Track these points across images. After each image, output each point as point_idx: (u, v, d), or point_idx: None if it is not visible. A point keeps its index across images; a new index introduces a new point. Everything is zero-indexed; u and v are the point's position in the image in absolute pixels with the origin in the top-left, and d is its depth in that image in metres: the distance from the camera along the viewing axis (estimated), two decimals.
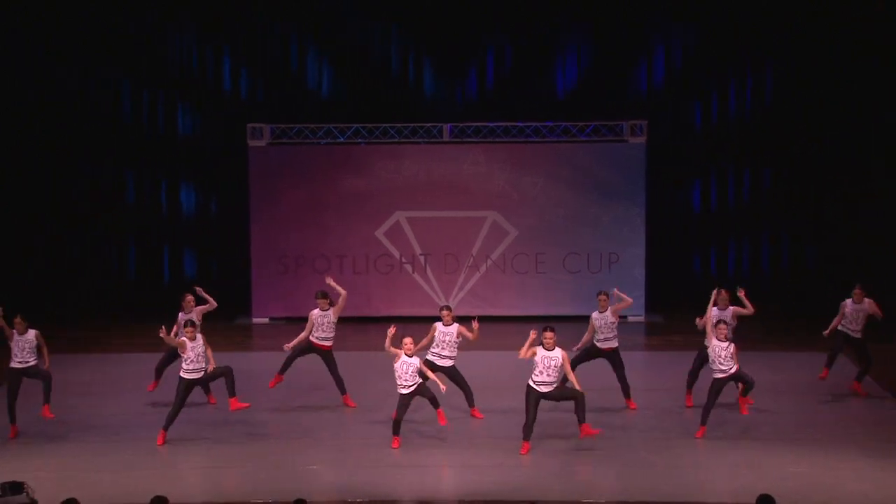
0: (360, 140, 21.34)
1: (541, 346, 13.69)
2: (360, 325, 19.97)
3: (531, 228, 21.23)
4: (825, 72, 21.46)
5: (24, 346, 14.37)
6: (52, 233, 21.97)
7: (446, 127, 21.34)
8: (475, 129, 21.31)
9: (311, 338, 15.33)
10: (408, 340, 13.85)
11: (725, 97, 22.32)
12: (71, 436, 14.41)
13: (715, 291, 15.21)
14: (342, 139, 21.33)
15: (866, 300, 15.62)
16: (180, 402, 14.09)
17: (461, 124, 21.38)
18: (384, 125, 21.33)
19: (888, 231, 20.63)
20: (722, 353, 13.96)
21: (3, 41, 21.20)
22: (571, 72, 22.43)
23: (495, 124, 21.29)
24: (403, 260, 21.32)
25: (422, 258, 21.32)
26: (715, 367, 14.04)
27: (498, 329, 19.58)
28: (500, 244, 21.29)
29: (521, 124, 21.27)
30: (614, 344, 15.20)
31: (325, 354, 15.42)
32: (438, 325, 14.82)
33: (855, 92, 21.16)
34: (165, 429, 14.08)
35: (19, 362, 14.40)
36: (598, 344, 15.21)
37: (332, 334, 15.35)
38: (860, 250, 21.16)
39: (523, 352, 13.76)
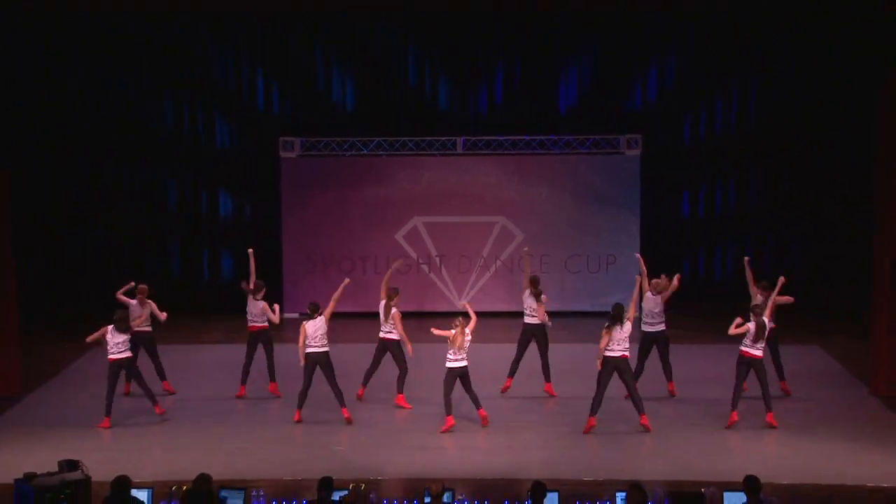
0: (381, 152, 21.42)
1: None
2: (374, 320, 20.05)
3: (536, 233, 21.26)
4: (803, 91, 21.45)
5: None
6: (108, 235, 22.00)
7: (460, 140, 21.42)
8: (486, 142, 21.39)
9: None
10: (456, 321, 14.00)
11: (713, 113, 22.25)
12: (122, 420, 14.49)
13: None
14: (365, 151, 21.42)
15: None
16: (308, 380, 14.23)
17: (473, 138, 21.44)
18: (403, 139, 21.41)
19: (863, 234, 20.55)
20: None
21: (69, 63, 21.20)
22: (572, 90, 22.42)
23: (504, 138, 21.35)
24: (420, 261, 21.39)
25: (437, 259, 21.39)
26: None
27: (506, 323, 19.64)
28: (508, 247, 21.33)
29: (527, 138, 21.33)
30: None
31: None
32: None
33: (830, 109, 21.15)
34: (300, 407, 14.24)
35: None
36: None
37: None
38: (840, 253, 21.16)
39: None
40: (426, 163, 21.33)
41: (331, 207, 21.24)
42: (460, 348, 13.86)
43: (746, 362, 13.94)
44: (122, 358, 14.20)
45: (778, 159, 21.91)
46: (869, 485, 12.12)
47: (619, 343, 13.77)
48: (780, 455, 13.14)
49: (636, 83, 22.26)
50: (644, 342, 15.35)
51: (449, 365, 13.93)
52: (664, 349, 15.39)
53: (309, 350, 14.14)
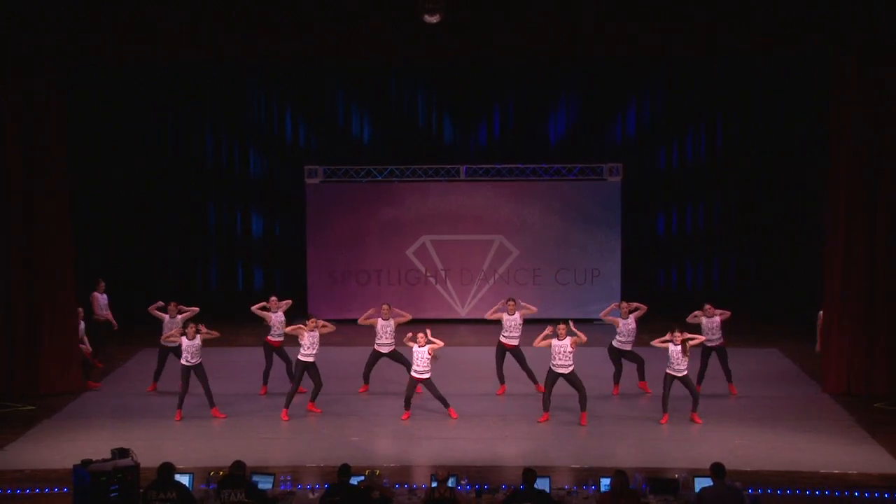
0: (394, 179, 21.43)
1: (555, 338, 13.76)
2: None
3: (530, 249, 21.27)
4: (763, 126, 21.54)
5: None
6: (157, 250, 22.00)
7: (462, 168, 21.43)
8: (485, 169, 21.40)
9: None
10: (420, 335, 14.00)
11: (685, 145, 22.31)
12: (167, 412, 14.49)
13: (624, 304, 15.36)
14: (380, 178, 21.45)
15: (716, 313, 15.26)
16: (297, 382, 14.25)
17: (474, 166, 21.46)
18: (413, 167, 21.42)
19: (814, 251, 20.60)
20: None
21: (130, 106, 21.33)
22: (561, 124, 22.45)
23: (501, 166, 21.37)
24: (428, 274, 21.38)
25: (443, 272, 21.37)
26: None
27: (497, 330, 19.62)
28: (505, 261, 21.32)
29: (521, 166, 21.35)
30: (516, 342, 15.23)
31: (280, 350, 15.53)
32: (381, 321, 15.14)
33: (784, 142, 21.25)
34: (287, 406, 14.22)
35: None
36: (504, 340, 15.26)
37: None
38: (794, 267, 21.17)
39: (538, 342, 13.90)
40: (433, 188, 21.35)
41: (350, 227, 21.25)
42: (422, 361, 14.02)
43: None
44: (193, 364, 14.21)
45: (741, 185, 21.99)
46: (822, 471, 12.12)
47: (565, 362, 13.79)
48: (744, 445, 13.11)
49: (617, 119, 22.34)
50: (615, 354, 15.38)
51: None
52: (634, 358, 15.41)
53: (303, 358, 14.20)
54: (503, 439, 13.42)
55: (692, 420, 13.97)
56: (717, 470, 9.78)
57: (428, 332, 14.15)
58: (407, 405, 14.17)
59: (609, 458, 12.46)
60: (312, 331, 14.20)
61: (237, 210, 22.59)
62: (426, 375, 14.04)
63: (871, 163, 15.28)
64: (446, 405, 14.17)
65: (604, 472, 10.92)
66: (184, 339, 14.20)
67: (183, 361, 14.23)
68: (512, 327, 15.22)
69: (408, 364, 14.59)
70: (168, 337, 14.91)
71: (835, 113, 15.43)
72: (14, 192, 15.48)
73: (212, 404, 14.32)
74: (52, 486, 11.54)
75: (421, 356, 13.96)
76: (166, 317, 15.53)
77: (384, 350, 15.21)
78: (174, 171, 21.97)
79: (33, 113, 15.38)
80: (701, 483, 10.07)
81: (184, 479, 10.13)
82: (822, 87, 16.24)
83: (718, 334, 15.19)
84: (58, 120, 15.56)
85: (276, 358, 15.47)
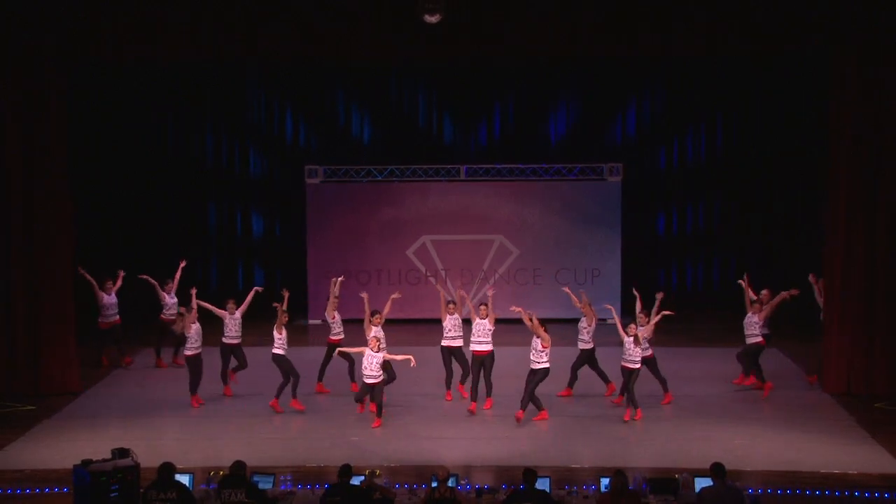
0: (394, 179, 21.42)
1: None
2: (390, 326, 20.02)
3: (530, 249, 21.27)
4: (763, 126, 21.56)
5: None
6: (158, 250, 21.97)
7: (462, 168, 21.42)
8: (486, 169, 21.40)
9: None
10: (372, 339, 13.93)
11: (684, 145, 22.34)
12: (165, 413, 14.50)
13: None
14: (380, 178, 21.44)
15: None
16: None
17: (475, 166, 21.46)
18: (413, 167, 21.42)
19: (812, 250, 20.59)
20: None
21: (131, 107, 21.39)
22: (561, 125, 22.47)
23: (502, 166, 21.37)
24: (428, 274, 21.37)
25: (443, 272, 21.37)
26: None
27: (503, 329, 19.62)
28: (506, 261, 21.32)
29: (522, 166, 21.34)
30: (490, 348, 14.85)
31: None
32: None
33: (786, 143, 21.28)
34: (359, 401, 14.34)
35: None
36: (473, 348, 14.88)
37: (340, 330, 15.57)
38: (791, 265, 21.16)
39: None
40: (433, 188, 21.34)
41: (350, 227, 21.24)
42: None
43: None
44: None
45: (741, 185, 22.02)
46: (822, 471, 12.12)
47: (543, 357, 13.91)
48: (744, 445, 13.11)
49: (617, 119, 22.36)
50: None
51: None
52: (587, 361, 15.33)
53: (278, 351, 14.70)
54: (503, 439, 13.41)
55: (633, 419, 13.97)
56: (717, 470, 9.79)
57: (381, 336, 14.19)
58: (358, 400, 14.17)
59: (609, 459, 12.44)
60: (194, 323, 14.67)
61: (237, 210, 22.61)
62: (375, 381, 13.77)
63: (871, 163, 15.29)
64: (380, 413, 13.96)
65: (604, 472, 10.91)
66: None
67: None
68: (480, 332, 14.78)
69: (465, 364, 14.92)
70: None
71: (835, 113, 15.44)
72: (14, 192, 15.48)
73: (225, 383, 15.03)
74: (52, 486, 11.54)
75: (373, 361, 13.76)
76: (226, 314, 15.52)
77: (455, 344, 15.14)
78: (174, 171, 21.97)
79: (33, 113, 15.38)
80: (701, 483, 10.07)
81: (184, 479, 10.13)
82: (822, 87, 16.22)
83: (646, 344, 14.68)
84: (58, 120, 15.55)
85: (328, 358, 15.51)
